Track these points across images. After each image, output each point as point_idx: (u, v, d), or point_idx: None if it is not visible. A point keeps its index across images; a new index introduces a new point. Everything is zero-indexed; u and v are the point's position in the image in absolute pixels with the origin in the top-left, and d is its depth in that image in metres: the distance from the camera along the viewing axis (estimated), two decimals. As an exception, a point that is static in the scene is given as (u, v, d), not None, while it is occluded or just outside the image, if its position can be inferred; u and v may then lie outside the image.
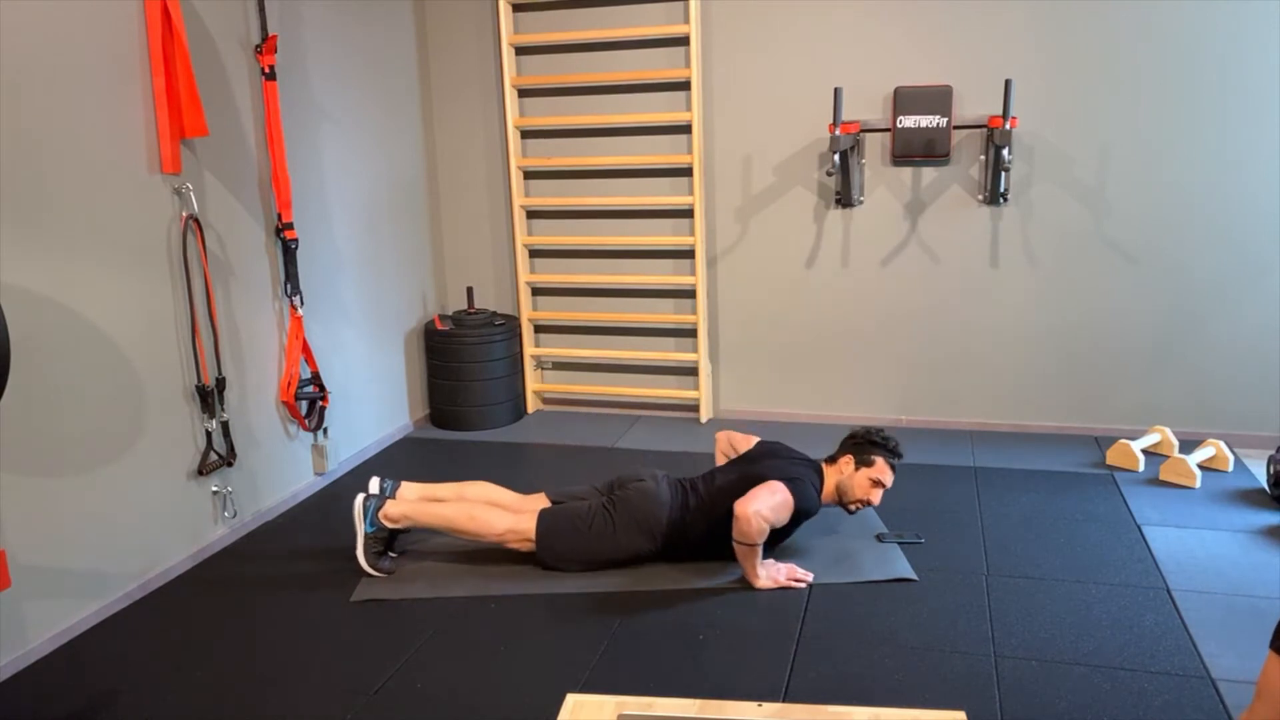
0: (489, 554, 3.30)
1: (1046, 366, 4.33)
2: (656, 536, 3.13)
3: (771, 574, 3.04)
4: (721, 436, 3.53)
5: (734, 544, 3.00)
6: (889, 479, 3.18)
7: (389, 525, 3.15)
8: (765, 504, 2.93)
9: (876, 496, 3.17)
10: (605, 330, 4.86)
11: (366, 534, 3.14)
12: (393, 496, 3.22)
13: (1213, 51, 3.86)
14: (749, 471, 3.16)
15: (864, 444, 3.21)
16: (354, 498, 3.22)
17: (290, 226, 3.66)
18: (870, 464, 3.17)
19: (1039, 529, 3.41)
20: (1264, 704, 1.67)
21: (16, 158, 2.66)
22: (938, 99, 4.07)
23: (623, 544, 3.13)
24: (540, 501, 3.25)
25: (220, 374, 3.40)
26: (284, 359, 3.73)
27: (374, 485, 3.24)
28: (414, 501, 3.20)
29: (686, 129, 4.46)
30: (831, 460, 3.26)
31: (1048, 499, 3.66)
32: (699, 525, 3.14)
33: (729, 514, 3.03)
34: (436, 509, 3.15)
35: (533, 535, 3.11)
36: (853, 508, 3.21)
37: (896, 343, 4.46)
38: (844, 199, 4.31)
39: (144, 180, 3.08)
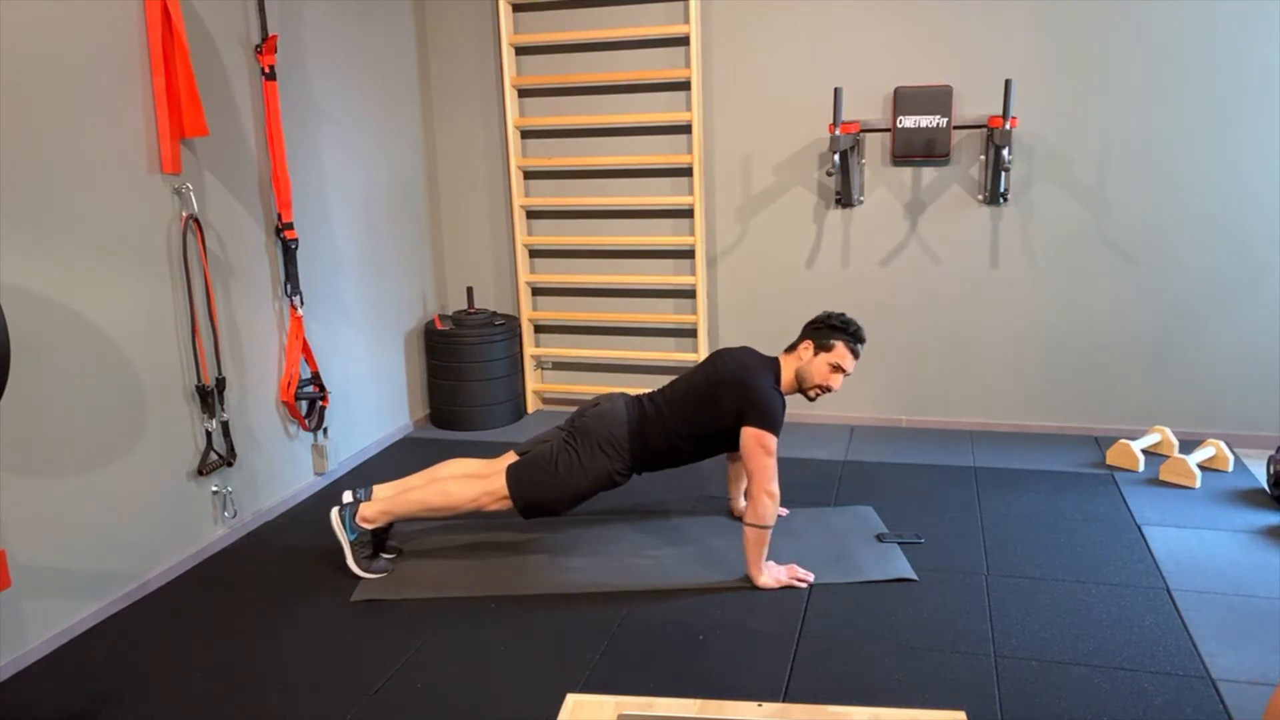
0: (489, 553, 3.30)
1: (1046, 366, 4.33)
2: (622, 453, 3.13)
3: (773, 574, 3.05)
4: None
5: (748, 527, 2.99)
6: (850, 364, 3.14)
7: (368, 526, 3.14)
8: (768, 471, 2.96)
9: (837, 382, 3.14)
10: (605, 330, 4.86)
11: (350, 542, 3.15)
12: (367, 499, 3.21)
13: (1213, 51, 3.86)
14: (708, 377, 3.17)
15: (824, 328, 3.16)
16: (329, 513, 3.21)
17: (290, 226, 3.66)
18: (829, 348, 3.13)
19: (1039, 529, 3.41)
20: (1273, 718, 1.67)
21: (17, 158, 2.66)
22: (938, 99, 4.07)
23: (592, 471, 3.11)
24: (510, 459, 3.24)
25: (220, 374, 3.40)
26: (284, 359, 3.73)
27: (346, 497, 3.22)
28: (387, 497, 3.19)
29: (686, 129, 4.46)
30: (790, 348, 3.22)
31: (1048, 499, 3.66)
32: (660, 435, 3.16)
33: (688, 425, 3.13)
34: (410, 496, 3.15)
35: (505, 492, 3.10)
36: (812, 394, 3.17)
37: (896, 343, 4.46)
38: (844, 199, 4.31)
39: (144, 180, 3.08)
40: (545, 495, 3.12)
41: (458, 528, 3.51)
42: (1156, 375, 4.21)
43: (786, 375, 3.18)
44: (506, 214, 4.82)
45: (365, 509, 3.14)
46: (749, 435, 3.01)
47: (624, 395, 3.30)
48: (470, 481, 3.15)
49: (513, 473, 3.13)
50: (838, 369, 3.13)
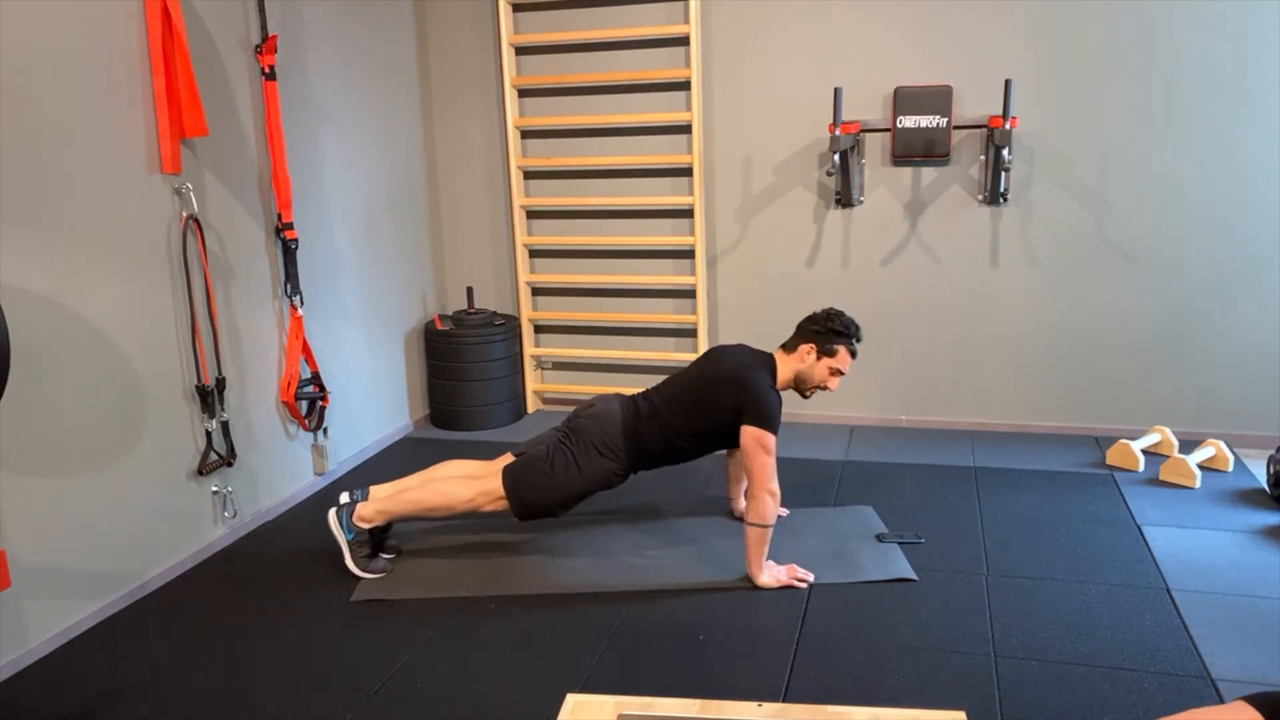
0: (489, 553, 3.30)
1: (1046, 366, 4.33)
2: (617, 453, 3.14)
3: (773, 573, 3.05)
4: None
5: (749, 526, 3.00)
6: (848, 367, 3.19)
7: (365, 526, 3.14)
8: (769, 469, 2.97)
9: (834, 384, 3.18)
10: (605, 330, 4.86)
11: (349, 542, 3.15)
12: (364, 500, 3.21)
13: (1213, 51, 3.86)
14: (704, 373, 3.19)
15: (827, 333, 3.15)
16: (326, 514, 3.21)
17: (290, 226, 3.66)
18: (833, 353, 3.15)
19: (1039, 529, 3.41)
20: None
21: (17, 158, 2.66)
22: (938, 99, 4.07)
23: (588, 472, 3.12)
24: (506, 460, 3.24)
25: (220, 374, 3.40)
26: (284, 359, 3.73)
27: (343, 498, 3.22)
28: (384, 497, 3.19)
29: (686, 129, 4.46)
30: (790, 348, 3.20)
31: (1048, 499, 3.66)
32: (656, 434, 3.16)
33: (684, 422, 3.14)
34: (406, 495, 3.15)
35: (501, 492, 3.10)
36: (809, 394, 3.22)
37: (896, 343, 4.46)
38: (844, 199, 4.31)
39: (144, 180, 3.08)
40: (542, 496, 3.12)
41: (457, 528, 3.51)
42: (1156, 375, 4.21)
43: (784, 374, 3.18)
44: (506, 214, 4.82)
45: (362, 509, 3.14)
46: (749, 434, 3.01)
47: (619, 396, 3.30)
48: (467, 482, 3.15)
49: (509, 473, 3.12)
50: (837, 372, 3.17)
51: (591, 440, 3.14)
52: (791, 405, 4.61)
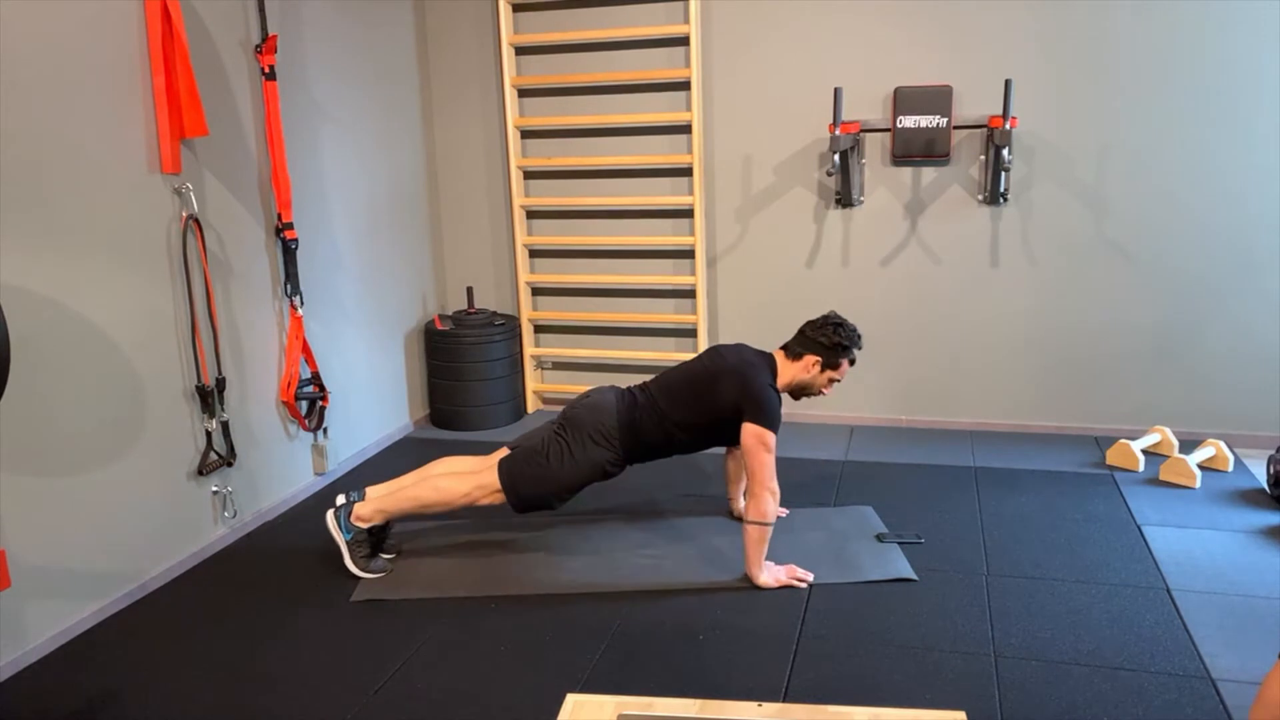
0: (489, 553, 3.30)
1: (1046, 366, 4.33)
2: (613, 442, 3.13)
3: (773, 573, 3.05)
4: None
5: (749, 525, 3.00)
6: (844, 375, 3.27)
7: (364, 525, 3.14)
8: (769, 467, 2.98)
9: (831, 390, 3.27)
10: (605, 330, 4.86)
11: (347, 542, 3.15)
12: (361, 500, 3.21)
13: (1212, 52, 3.86)
14: (707, 369, 3.18)
15: (834, 349, 3.16)
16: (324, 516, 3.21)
17: (290, 226, 3.66)
18: (836, 366, 3.20)
19: (1039, 529, 3.41)
20: (1262, 708, 1.66)
21: (16, 158, 2.66)
22: (938, 99, 4.07)
23: (584, 462, 3.11)
24: (501, 454, 3.24)
25: (220, 374, 3.40)
26: (284, 359, 3.73)
27: (340, 499, 3.22)
28: (380, 496, 3.20)
29: (686, 129, 4.46)
30: (793, 355, 3.20)
31: (1048, 499, 3.66)
32: (653, 426, 3.16)
33: (683, 415, 3.14)
34: (403, 493, 3.16)
35: (497, 485, 3.10)
36: (803, 399, 3.30)
37: (896, 343, 4.46)
38: (844, 199, 4.31)
39: (144, 180, 3.08)
40: (537, 488, 3.12)
41: (456, 527, 3.51)
42: (1156, 375, 4.21)
43: (784, 378, 3.20)
44: (506, 214, 4.82)
45: (360, 508, 3.15)
46: (750, 432, 3.02)
47: (614, 387, 3.29)
48: (462, 478, 3.16)
49: (504, 466, 3.13)
50: (835, 380, 3.24)
51: (587, 431, 3.14)
52: (792, 405, 4.62)
